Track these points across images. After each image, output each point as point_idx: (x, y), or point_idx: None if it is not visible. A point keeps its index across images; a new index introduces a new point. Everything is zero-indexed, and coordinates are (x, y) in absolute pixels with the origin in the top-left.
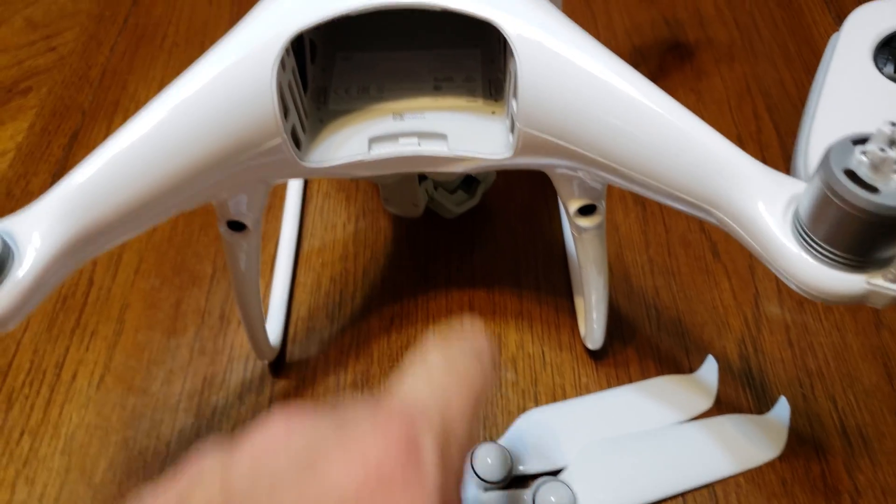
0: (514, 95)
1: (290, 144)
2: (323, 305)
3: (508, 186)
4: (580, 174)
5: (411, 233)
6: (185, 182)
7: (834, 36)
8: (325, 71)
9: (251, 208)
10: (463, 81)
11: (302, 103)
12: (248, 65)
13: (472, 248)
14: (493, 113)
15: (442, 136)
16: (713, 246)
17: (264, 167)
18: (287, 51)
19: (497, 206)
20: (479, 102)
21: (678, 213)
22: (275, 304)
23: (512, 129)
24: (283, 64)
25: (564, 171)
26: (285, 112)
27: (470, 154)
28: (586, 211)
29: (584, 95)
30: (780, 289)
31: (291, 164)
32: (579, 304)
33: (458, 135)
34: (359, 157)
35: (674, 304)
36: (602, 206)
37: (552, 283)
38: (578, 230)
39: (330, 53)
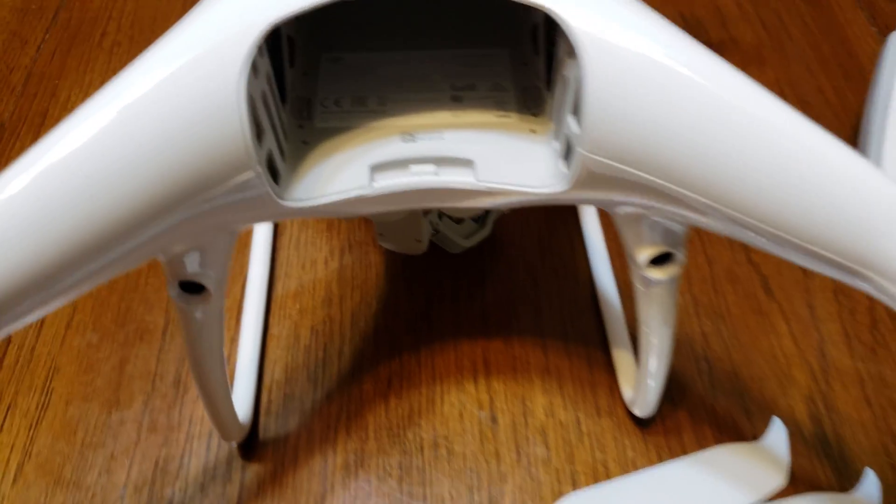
0: (575, 111)
1: (265, 178)
2: (303, 364)
3: (522, 212)
4: (656, 213)
5: (410, 270)
6: (117, 233)
7: (893, 35)
8: (308, 76)
9: (212, 264)
10: (489, 90)
11: (280, 120)
12: (207, 68)
13: (483, 290)
14: (533, 132)
15: (466, 163)
16: (764, 281)
17: (230, 209)
18: (260, 49)
19: (511, 237)
20: (513, 118)
21: (719, 239)
22: (243, 364)
23: (566, 154)
24: (254, 67)
25: (636, 209)
26: (258, 133)
27: (505, 186)
28: (661, 260)
29: (680, 112)
30: (848, 332)
31: (267, 203)
32: (619, 358)
33: (487, 161)
34: (358, 192)
35: (727, 355)
36: (681, 254)
37: (582, 332)
38: (646, 283)
39: (314, 53)
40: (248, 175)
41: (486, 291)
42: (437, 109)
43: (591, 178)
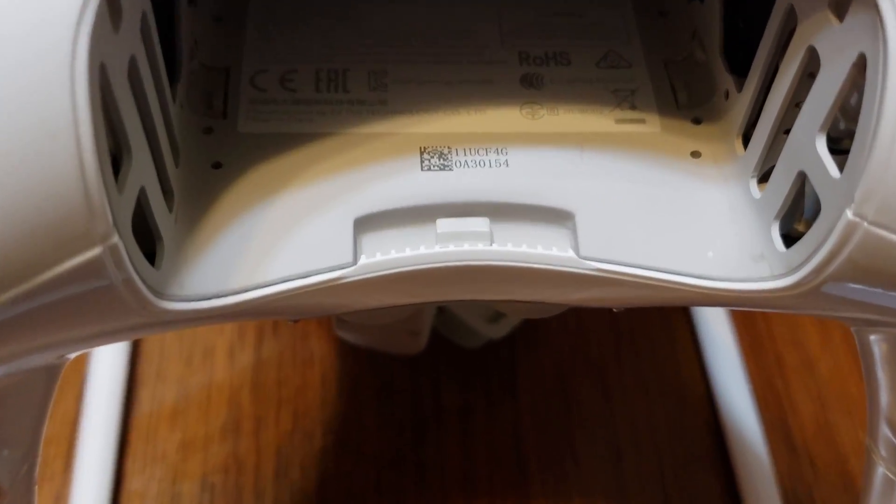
0: (839, 130)
1: (127, 257)
2: None
3: None
4: None
5: (387, 375)
6: None
7: None
8: (225, 26)
9: (16, 431)
10: (596, 66)
11: (165, 122)
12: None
13: (516, 412)
14: (696, 156)
15: (559, 218)
16: None
17: (51, 320)
18: None
19: (562, 319)
20: (650, 124)
21: None
22: None
23: (791, 213)
24: (112, 6)
25: None
26: (117, 154)
27: (644, 272)
28: None
29: None
30: None
31: (131, 307)
32: None
33: (601, 216)
34: (331, 277)
35: None
36: None
37: (693, 494)
38: None
39: None
40: (90, 254)
41: (520, 416)
42: (492, 101)
43: (858, 272)
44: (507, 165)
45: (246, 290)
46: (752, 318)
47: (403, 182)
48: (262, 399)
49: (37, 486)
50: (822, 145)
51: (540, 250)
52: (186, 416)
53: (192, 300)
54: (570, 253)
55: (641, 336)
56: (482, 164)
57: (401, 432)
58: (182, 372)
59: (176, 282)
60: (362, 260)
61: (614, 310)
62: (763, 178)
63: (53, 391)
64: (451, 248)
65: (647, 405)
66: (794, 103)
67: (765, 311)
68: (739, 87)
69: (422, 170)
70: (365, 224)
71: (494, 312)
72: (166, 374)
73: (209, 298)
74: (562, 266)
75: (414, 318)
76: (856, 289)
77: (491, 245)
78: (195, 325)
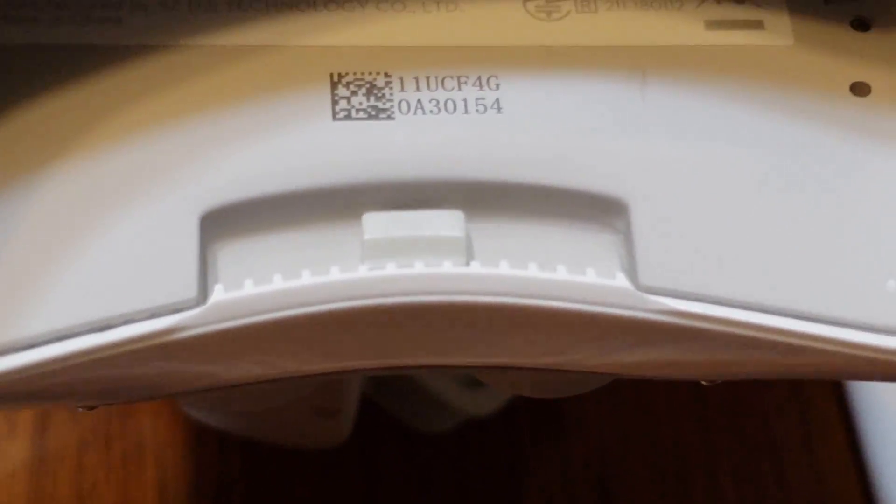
0: None
1: None
2: None
3: None
4: None
5: (285, 480)
6: None
7: None
8: None
9: None
10: None
11: None
12: None
13: None
14: (864, 94)
15: (607, 212)
16: None
17: None
18: None
19: (602, 402)
20: (779, 31)
21: None
22: None
23: None
24: None
25: None
26: None
27: (785, 327)
28: None
29: None
30: None
31: None
32: None
33: (680, 212)
34: (159, 326)
35: None
36: None
37: None
38: None
39: None
40: None
41: None
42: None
43: None
44: (499, 110)
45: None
46: None
47: (297, 142)
48: None
49: None
50: None
51: (563, 275)
52: None
53: None
54: (621, 281)
55: (754, 426)
56: (451, 107)
57: None
58: None
59: None
60: (217, 295)
61: (704, 382)
62: None
63: None
64: (392, 270)
65: None
66: None
67: None
68: None
69: (335, 118)
70: (222, 225)
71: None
72: None
73: None
74: (604, 306)
75: (326, 393)
76: None
77: (468, 265)
78: None
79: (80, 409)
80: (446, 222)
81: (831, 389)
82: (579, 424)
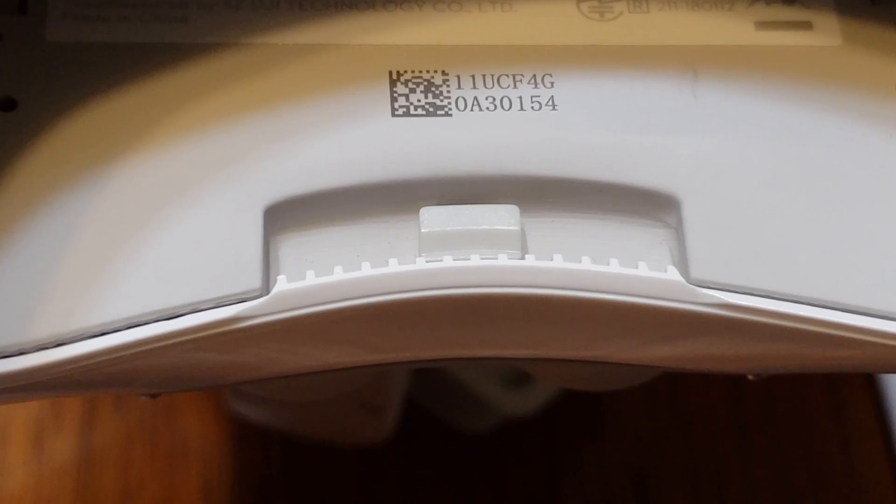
0: None
1: None
2: None
3: None
4: None
5: (327, 482)
6: None
7: None
8: None
9: None
10: None
11: None
12: None
13: None
14: None
15: (659, 207)
16: None
17: None
18: None
19: (643, 398)
20: (829, 32)
21: None
22: None
23: None
24: None
25: None
26: None
27: (837, 320)
28: None
29: None
30: None
31: None
32: None
33: (731, 208)
34: (224, 315)
35: None
36: None
37: None
38: None
39: None
40: None
41: None
42: None
43: None
44: (554, 108)
45: (59, 343)
46: None
47: (357, 138)
48: None
49: None
50: None
51: (616, 269)
52: None
53: None
54: (673, 274)
55: (790, 428)
56: (506, 104)
57: None
58: None
59: None
60: (280, 285)
61: (750, 377)
62: None
63: None
64: (449, 262)
65: None
66: None
67: None
68: None
69: (393, 115)
70: (285, 218)
71: (518, 373)
72: None
73: None
74: (656, 299)
75: (373, 388)
76: None
77: (523, 258)
78: None
79: (144, 398)
80: (502, 216)
81: (868, 393)
82: (616, 425)
